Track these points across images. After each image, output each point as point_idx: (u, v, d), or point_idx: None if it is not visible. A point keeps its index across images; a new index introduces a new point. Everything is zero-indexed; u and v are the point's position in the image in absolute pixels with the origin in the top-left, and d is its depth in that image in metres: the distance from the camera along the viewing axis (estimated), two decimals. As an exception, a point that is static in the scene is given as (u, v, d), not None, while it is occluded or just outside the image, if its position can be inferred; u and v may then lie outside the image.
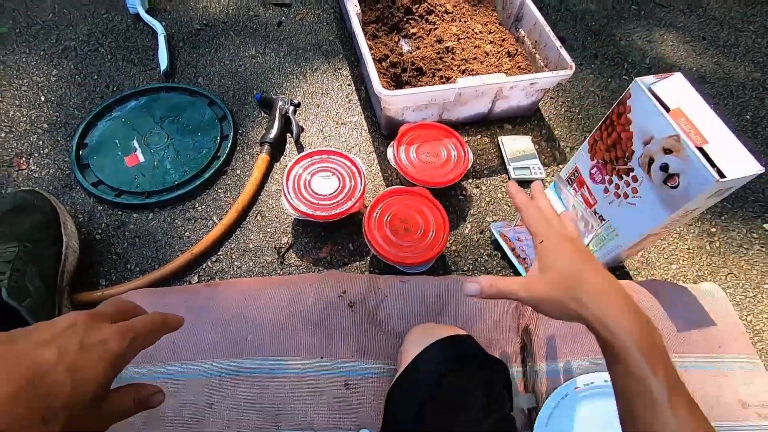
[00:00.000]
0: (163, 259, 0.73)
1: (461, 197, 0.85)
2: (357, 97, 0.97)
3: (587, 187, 0.73)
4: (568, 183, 0.78)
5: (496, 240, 0.79)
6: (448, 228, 0.70)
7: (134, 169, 0.81)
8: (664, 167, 0.58)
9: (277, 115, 0.86)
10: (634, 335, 0.36)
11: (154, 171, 0.81)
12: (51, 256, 0.65)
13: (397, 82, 0.94)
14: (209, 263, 0.74)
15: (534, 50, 0.96)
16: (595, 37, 1.15)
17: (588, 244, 0.76)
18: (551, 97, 1.02)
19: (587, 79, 1.06)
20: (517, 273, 0.76)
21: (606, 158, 0.68)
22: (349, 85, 0.99)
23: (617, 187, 0.67)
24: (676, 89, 0.60)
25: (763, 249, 0.84)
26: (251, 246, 0.76)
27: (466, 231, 0.81)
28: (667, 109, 0.58)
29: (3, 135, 0.84)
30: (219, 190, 0.82)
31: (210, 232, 0.74)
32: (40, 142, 0.84)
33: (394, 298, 0.63)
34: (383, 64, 0.94)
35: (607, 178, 0.69)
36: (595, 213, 0.73)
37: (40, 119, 0.87)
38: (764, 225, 0.86)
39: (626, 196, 0.66)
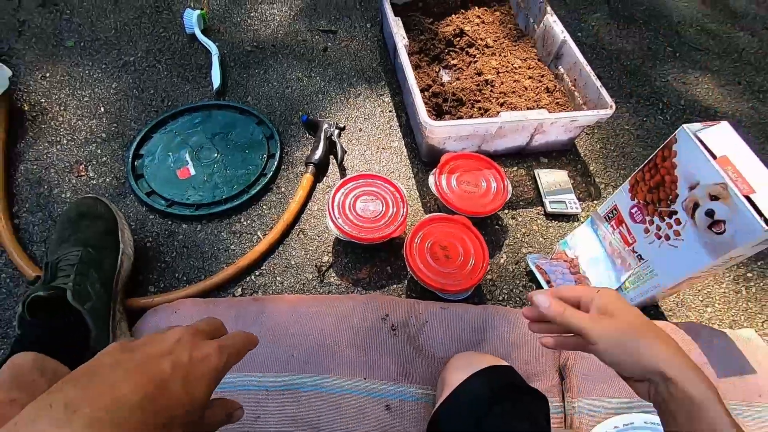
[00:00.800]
0: (209, 270, 0.76)
1: (497, 227, 0.86)
2: (398, 124, 1.00)
3: (626, 225, 0.75)
4: (606, 220, 0.80)
5: (531, 272, 0.80)
6: (487, 257, 0.72)
7: (185, 182, 0.84)
8: (710, 213, 0.59)
9: (322, 137, 0.90)
10: (711, 390, 0.36)
11: (204, 184, 0.84)
12: (110, 262, 0.68)
13: (438, 112, 0.97)
14: (253, 277, 0.76)
15: (573, 88, 0.98)
16: (631, 77, 1.17)
17: (624, 281, 0.76)
18: (587, 134, 1.04)
19: (623, 118, 1.08)
20: (551, 306, 0.77)
21: (648, 199, 0.69)
22: (390, 111, 1.02)
23: (658, 228, 0.68)
24: (722, 137, 0.62)
25: (800, 297, 0.83)
26: (293, 262, 0.78)
27: (502, 261, 0.82)
28: (714, 156, 0.60)
29: (65, 142, 0.89)
30: (264, 207, 0.85)
31: (255, 246, 0.77)
32: (99, 151, 0.88)
33: (434, 324, 0.64)
34: (426, 93, 0.97)
35: (648, 218, 0.70)
36: (634, 251, 0.74)
37: (100, 129, 0.92)
38: (801, 273, 0.86)
39: (668, 237, 0.67)
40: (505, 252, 0.83)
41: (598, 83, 0.90)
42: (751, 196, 0.56)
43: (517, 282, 0.80)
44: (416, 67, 1.03)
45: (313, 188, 0.87)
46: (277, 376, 0.58)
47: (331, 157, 0.91)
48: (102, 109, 0.95)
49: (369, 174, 0.80)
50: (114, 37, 1.07)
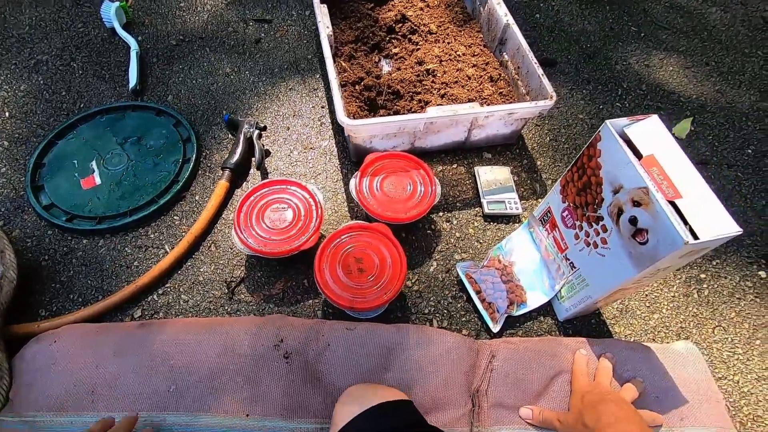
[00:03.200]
0: (108, 289, 0.70)
1: (429, 232, 0.80)
2: (329, 120, 0.93)
3: (559, 230, 0.68)
4: (541, 223, 0.73)
5: (462, 281, 0.73)
6: (405, 271, 0.65)
7: (89, 192, 0.78)
8: (633, 220, 0.53)
9: (242, 138, 0.83)
10: None
11: (109, 195, 0.78)
12: (-17, 287, 0.62)
13: (371, 106, 0.90)
14: (155, 296, 0.70)
15: (516, 76, 0.91)
16: (589, 61, 1.09)
17: (559, 290, 0.70)
18: (536, 124, 0.97)
19: (577, 106, 1.01)
20: (480, 318, 0.71)
21: (576, 202, 0.63)
22: (323, 107, 0.95)
23: (587, 234, 0.61)
24: (651, 133, 0.55)
25: (758, 299, 0.77)
26: (201, 279, 0.72)
27: (431, 269, 0.76)
28: (639, 156, 0.53)
29: (-38, 152, 0.82)
30: (175, 217, 0.78)
31: (158, 262, 0.71)
32: (-1, 161, 0.82)
33: (337, 349, 0.58)
34: (357, 87, 0.90)
35: (578, 223, 0.63)
36: (567, 259, 0.68)
37: (2, 135, 0.85)
38: (760, 272, 0.80)
39: (596, 245, 0.60)
40: (435, 259, 0.77)
41: (540, 71, 0.82)
42: (677, 202, 0.49)
43: (446, 293, 0.74)
44: (350, 57, 0.95)
45: (229, 195, 0.81)
46: (149, 415, 0.52)
47: (254, 159, 0.85)
48: (7, 114, 0.88)
49: (283, 180, 0.74)
50: (27, 34, 1.00)
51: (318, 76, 1.00)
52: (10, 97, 0.90)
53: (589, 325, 0.73)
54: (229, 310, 0.70)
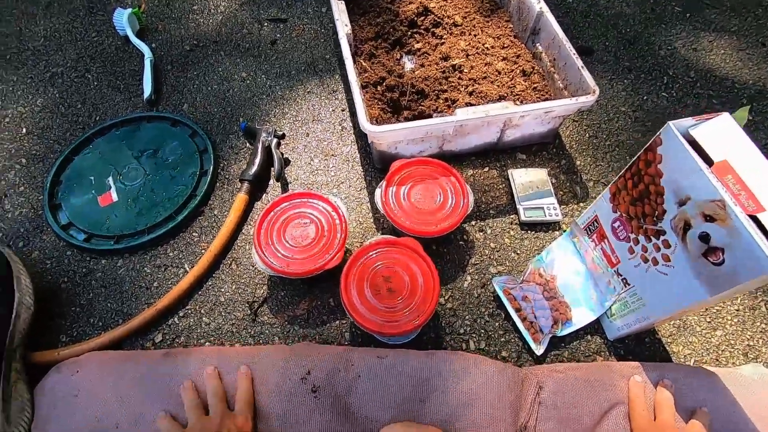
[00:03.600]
0: (128, 312, 0.68)
1: (461, 243, 0.74)
2: (351, 124, 0.88)
3: (608, 242, 0.61)
4: (587, 233, 0.66)
5: (499, 297, 0.68)
6: (438, 291, 0.60)
7: (106, 210, 0.75)
8: (704, 237, 0.46)
9: (260, 148, 0.79)
10: None
11: (126, 212, 0.75)
12: (0, 317, 0.60)
13: (394, 108, 0.84)
14: (176, 319, 0.67)
15: (552, 69, 0.83)
16: (630, 47, 1.00)
17: (609, 307, 0.64)
18: (574, 120, 0.89)
19: (618, 98, 0.92)
20: (521, 338, 0.65)
21: (631, 213, 0.56)
22: (343, 110, 0.90)
23: (644, 249, 0.55)
24: (722, 134, 0.47)
25: (836, 311, 0.68)
26: (222, 299, 0.69)
27: (466, 284, 0.70)
28: (710, 163, 0.46)
29: (-19, 171, 0.81)
30: (194, 233, 0.75)
31: (178, 283, 0.68)
32: (17, 179, 0.80)
33: (368, 379, 0.54)
34: (379, 88, 0.84)
35: (632, 236, 0.56)
36: (618, 274, 0.61)
37: (20, 153, 0.83)
38: (837, 280, 0.71)
39: (656, 262, 0.53)
40: (469, 273, 0.71)
41: (579, 63, 0.75)
42: (760, 216, 0.42)
43: (483, 310, 0.68)
44: (371, 56, 0.90)
45: (249, 209, 0.77)
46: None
47: (273, 170, 0.80)
48: (24, 130, 0.86)
49: (304, 192, 0.69)
50: (42, 46, 0.98)
51: (337, 77, 0.94)
52: (27, 113, 0.88)
53: (642, 344, 0.66)
54: (252, 333, 0.66)
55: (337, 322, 0.67)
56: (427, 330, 0.66)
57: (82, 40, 0.99)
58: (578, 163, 0.84)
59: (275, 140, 0.79)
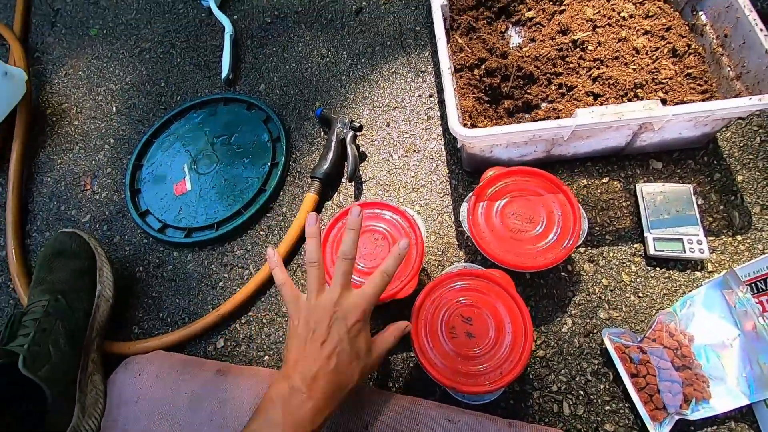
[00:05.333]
0: (193, 311, 0.66)
1: (564, 274, 0.60)
2: (438, 113, 0.75)
3: (789, 313, 0.44)
4: (752, 290, 0.49)
5: (607, 351, 0.54)
6: (530, 344, 0.48)
7: (180, 200, 0.74)
8: None
9: (333, 142, 0.70)
10: None
11: (198, 203, 0.73)
12: (83, 308, 0.61)
13: (493, 96, 0.69)
14: (238, 325, 0.64)
15: (720, 49, 0.61)
16: (840, 11, 0.71)
17: (772, 396, 0.47)
18: (739, 118, 0.67)
19: (812, 86, 0.67)
20: (634, 411, 0.51)
21: (843, 287, 0.38)
22: (431, 95, 0.77)
23: None
24: None
25: None
26: (284, 310, 0.64)
27: (565, 329, 0.57)
28: None
29: (77, 149, 0.84)
30: (261, 232, 0.70)
31: (242, 288, 0.64)
32: (105, 160, 0.82)
33: (434, 446, 0.45)
34: (476, 72, 0.70)
35: (837, 319, 0.39)
36: (798, 361, 0.43)
37: (110, 132, 0.85)
38: None
39: None
40: (571, 315, 0.58)
41: (769, 43, 0.53)
42: None
43: (584, 365, 0.55)
44: (469, 30, 0.74)
45: (319, 209, 0.70)
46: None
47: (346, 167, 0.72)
48: (114, 109, 0.87)
49: (375, 202, 0.60)
50: (134, 20, 0.97)
51: (427, 54, 0.81)
52: (117, 90, 0.89)
53: (814, 445, 0.48)
54: (312, 352, 0.61)
55: (405, 354, 0.58)
56: (507, 389, 0.55)
57: (169, 13, 0.97)
58: (740, 178, 0.63)
59: (351, 133, 0.70)
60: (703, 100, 0.61)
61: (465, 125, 0.63)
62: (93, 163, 0.82)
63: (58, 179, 0.81)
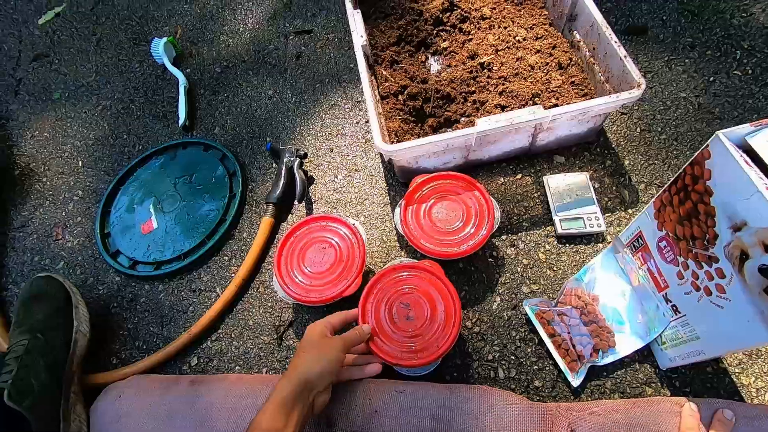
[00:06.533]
0: (168, 336, 0.72)
1: (491, 259, 0.69)
2: (375, 136, 0.85)
3: (655, 262, 0.54)
4: (631, 249, 0.59)
5: (531, 320, 0.63)
6: (459, 320, 0.57)
7: (148, 238, 0.80)
8: (766, 271, 0.38)
9: (283, 170, 0.79)
10: None
11: (165, 238, 0.79)
12: (60, 344, 0.66)
13: (417, 116, 0.80)
14: (209, 342, 0.70)
15: (592, 60, 0.74)
16: (693, 19, 0.87)
17: (659, 334, 0.56)
18: (622, 113, 0.79)
19: (677, 82, 0.81)
20: (555, 366, 0.60)
21: (678, 233, 0.48)
22: (367, 121, 0.87)
23: (695, 276, 0.47)
24: (790, 143, 0.39)
25: None
26: (251, 323, 0.71)
27: (495, 306, 0.66)
28: (772, 180, 0.38)
29: (47, 204, 0.90)
30: (225, 257, 0.78)
31: (209, 308, 0.71)
32: (75, 210, 0.88)
33: (385, 416, 0.52)
34: (400, 97, 0.81)
35: (681, 260, 0.49)
36: (667, 300, 0.53)
37: (77, 185, 0.91)
38: None
39: (709, 292, 0.46)
40: (499, 294, 0.67)
41: (622, 52, 0.66)
42: (838, 247, 0.34)
43: (513, 334, 0.63)
44: (392, 63, 0.86)
45: (275, 231, 0.78)
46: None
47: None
48: (80, 163, 0.94)
49: (322, 216, 0.68)
50: (95, 82, 1.06)
51: (361, 87, 0.92)
52: (82, 146, 0.96)
53: (703, 373, 0.58)
54: (278, 357, 0.67)
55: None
56: (452, 356, 0.63)
57: (126, 72, 1.06)
58: (627, 163, 0.74)
59: (297, 161, 0.79)
60: (585, 102, 0.73)
61: (392, 143, 0.73)
62: (63, 214, 0.88)
63: (30, 233, 0.87)
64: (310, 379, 0.48)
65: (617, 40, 0.67)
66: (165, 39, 1.02)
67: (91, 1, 1.20)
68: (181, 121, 0.92)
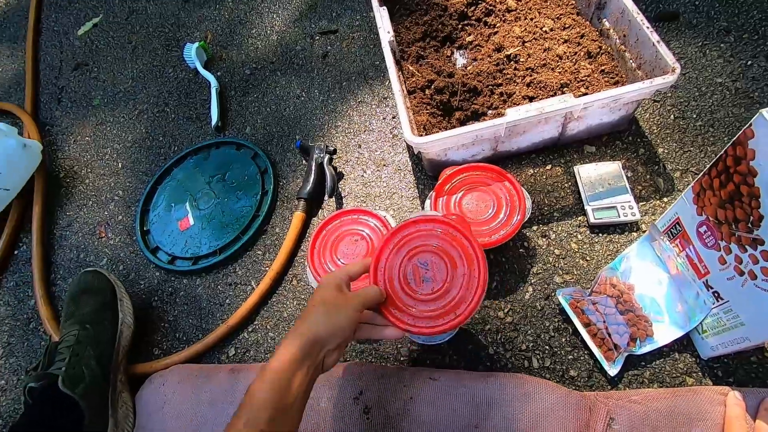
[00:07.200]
0: (206, 328, 0.75)
1: (521, 251, 0.69)
2: (402, 131, 0.86)
3: (694, 248, 0.53)
4: (668, 236, 0.58)
5: (565, 309, 0.62)
6: (484, 283, 0.50)
7: (185, 234, 0.83)
8: (816, 251, 0.37)
9: (313, 166, 0.81)
10: None
11: (201, 234, 0.82)
12: (108, 335, 0.70)
13: (445, 110, 0.81)
14: (246, 333, 0.73)
15: (623, 47, 0.73)
16: (728, 3, 0.84)
17: (699, 322, 0.55)
18: (654, 101, 0.78)
19: (713, 67, 0.79)
20: (591, 355, 0.59)
21: (720, 217, 0.47)
22: (394, 117, 0.88)
23: (738, 260, 0.46)
24: (840, 119, 0.38)
25: None
26: (285, 315, 0.73)
27: (527, 296, 0.66)
28: (821, 157, 0.37)
29: (90, 204, 0.94)
30: (258, 251, 0.80)
31: (245, 301, 0.73)
32: (116, 210, 0.92)
33: (421, 402, 0.53)
34: (427, 92, 0.81)
35: (723, 244, 0.48)
36: (708, 286, 0.52)
37: (118, 186, 0.95)
38: None
39: (753, 276, 0.45)
40: (531, 284, 0.66)
41: (655, 37, 0.65)
42: None
43: (547, 324, 0.63)
44: (418, 58, 0.87)
45: (306, 226, 0.80)
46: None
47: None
48: (120, 165, 0.98)
49: (353, 209, 0.70)
50: (131, 87, 1.11)
51: (387, 83, 0.93)
52: (121, 149, 1.01)
53: (747, 363, 0.56)
54: (313, 347, 0.69)
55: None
56: (484, 345, 0.63)
57: (161, 77, 1.10)
58: (660, 151, 0.73)
59: (327, 156, 0.81)
60: (616, 90, 0.72)
61: (420, 136, 0.74)
62: (105, 213, 0.92)
63: (75, 231, 0.91)
64: (320, 338, 0.43)
65: (649, 25, 0.66)
66: (196, 44, 1.05)
67: (125, 11, 1.25)
68: (213, 122, 0.96)
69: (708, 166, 0.47)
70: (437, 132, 0.76)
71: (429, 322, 0.49)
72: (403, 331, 0.50)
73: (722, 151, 0.45)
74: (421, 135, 0.75)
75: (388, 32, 0.79)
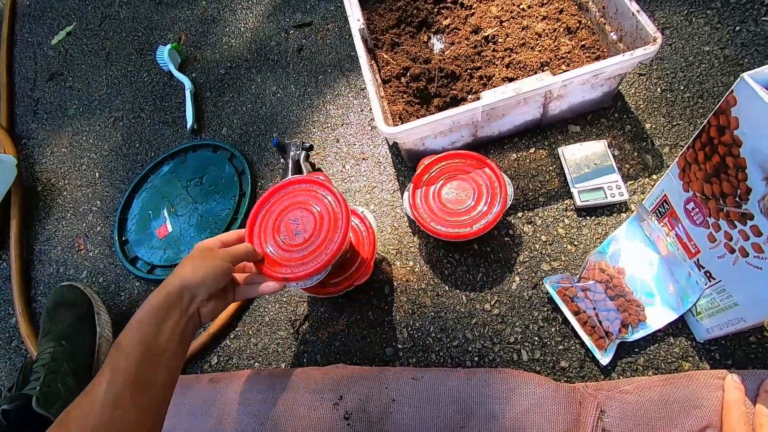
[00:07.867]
0: (188, 337, 0.72)
1: (507, 239, 0.67)
2: (380, 123, 0.83)
3: (683, 227, 0.50)
4: (656, 216, 0.55)
5: (553, 298, 0.59)
6: (347, 226, 0.54)
7: (164, 241, 0.81)
8: (808, 223, 0.34)
9: (290, 164, 0.78)
10: None
11: (179, 241, 0.80)
12: (85, 349, 0.68)
13: (422, 98, 0.78)
14: (228, 340, 0.70)
15: (602, 20, 0.70)
16: (712, -32, 0.80)
17: (693, 305, 0.52)
18: (639, 74, 0.75)
19: (699, 35, 0.75)
20: (582, 345, 0.57)
21: (706, 192, 0.44)
22: (371, 109, 0.85)
23: (728, 237, 0.43)
24: (828, 78, 0.35)
25: None
26: (267, 319, 0.70)
27: (514, 286, 0.63)
28: (809, 120, 0.34)
29: (69, 216, 0.92)
30: (239, 255, 0.77)
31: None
32: (94, 221, 0.90)
33: (403, 403, 0.51)
34: (402, 79, 0.78)
35: (711, 221, 0.45)
36: (699, 266, 0.49)
37: (95, 196, 0.93)
38: None
39: (745, 253, 0.42)
40: (518, 273, 0.64)
41: (634, 6, 0.61)
42: None
43: (536, 314, 0.60)
44: (393, 45, 0.84)
45: (286, 225, 0.77)
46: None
47: (305, 182, 0.79)
48: (97, 175, 0.96)
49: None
50: (106, 95, 1.08)
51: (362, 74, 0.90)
52: (98, 159, 0.99)
53: (746, 344, 0.53)
54: (296, 351, 0.67)
55: (378, 336, 0.64)
56: (470, 339, 0.60)
57: (135, 83, 1.08)
58: (648, 126, 0.70)
59: (303, 153, 0.78)
60: (598, 65, 0.68)
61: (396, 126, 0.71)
62: (84, 225, 0.90)
63: (55, 245, 0.89)
64: (187, 286, 0.44)
65: (628, -6, 0.63)
66: (169, 46, 1.02)
67: (98, 17, 1.23)
68: (189, 124, 0.93)
69: (692, 138, 0.44)
70: (415, 120, 0.74)
71: (302, 268, 0.52)
72: (280, 282, 0.52)
73: (704, 122, 0.42)
74: (397, 125, 0.72)
75: (359, 20, 0.75)
